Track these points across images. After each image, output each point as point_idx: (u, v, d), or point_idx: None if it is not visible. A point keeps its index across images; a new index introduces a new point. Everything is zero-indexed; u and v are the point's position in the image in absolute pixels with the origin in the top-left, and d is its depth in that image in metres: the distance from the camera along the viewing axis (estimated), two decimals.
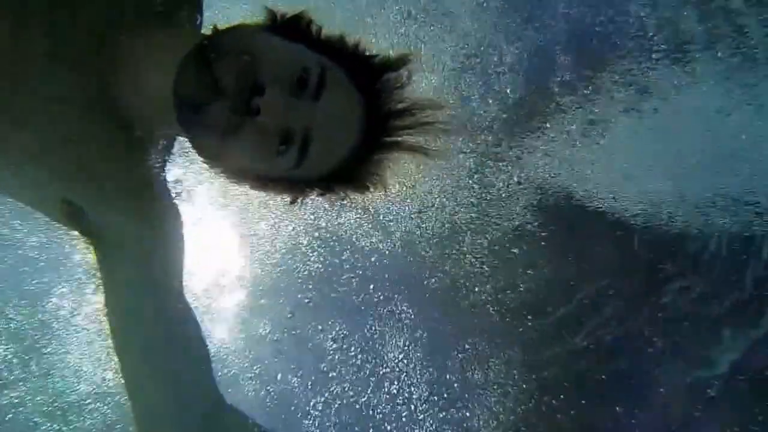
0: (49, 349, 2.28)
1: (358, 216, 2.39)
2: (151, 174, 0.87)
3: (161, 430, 0.84)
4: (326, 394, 2.46)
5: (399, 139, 0.83)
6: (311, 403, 2.46)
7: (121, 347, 0.84)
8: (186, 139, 0.84)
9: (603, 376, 2.50)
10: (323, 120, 0.79)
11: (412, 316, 2.42)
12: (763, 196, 2.33)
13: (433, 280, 2.44)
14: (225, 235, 2.24)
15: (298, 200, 0.89)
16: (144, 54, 0.82)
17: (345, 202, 0.90)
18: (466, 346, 2.47)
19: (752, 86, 2.24)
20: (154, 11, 0.84)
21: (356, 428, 2.47)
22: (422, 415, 2.47)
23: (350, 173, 0.86)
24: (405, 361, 2.45)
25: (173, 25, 0.85)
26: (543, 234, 2.46)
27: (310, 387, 2.47)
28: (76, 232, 0.89)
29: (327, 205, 2.31)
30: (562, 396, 2.45)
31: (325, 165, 0.84)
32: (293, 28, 0.84)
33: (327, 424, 2.46)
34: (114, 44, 0.81)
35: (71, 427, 2.32)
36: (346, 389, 2.45)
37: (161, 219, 0.87)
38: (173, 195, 0.91)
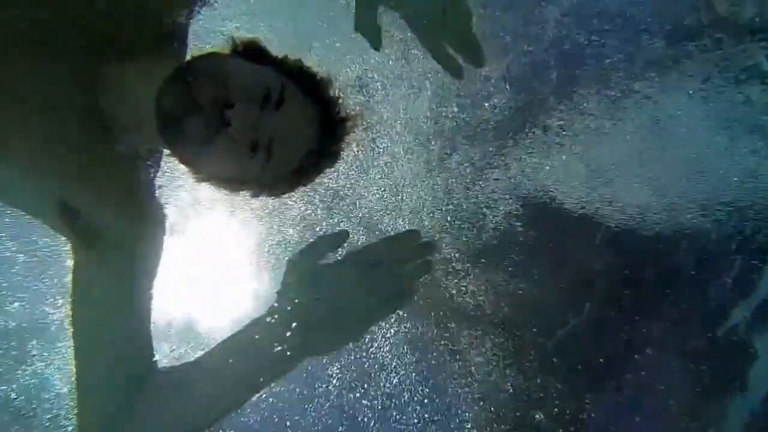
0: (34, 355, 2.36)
1: (348, 222, 2.48)
2: (140, 180, 1.01)
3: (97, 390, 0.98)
4: (317, 389, 2.56)
5: (342, 143, 0.98)
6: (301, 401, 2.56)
7: (84, 335, 0.98)
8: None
9: (586, 366, 2.60)
10: (284, 128, 0.93)
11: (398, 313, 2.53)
12: (733, 198, 2.41)
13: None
14: (214, 232, 2.35)
15: (260, 195, 1.03)
16: (132, 76, 0.95)
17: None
18: (448, 340, 2.57)
19: (718, 100, 2.34)
20: (145, 42, 0.97)
21: (344, 418, 2.57)
22: (408, 402, 2.58)
23: (308, 171, 1.02)
24: (392, 354, 2.55)
25: (160, 53, 0.98)
26: (525, 238, 2.55)
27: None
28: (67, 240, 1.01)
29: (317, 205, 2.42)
30: (544, 387, 2.55)
31: (287, 166, 0.98)
32: (258, 54, 0.98)
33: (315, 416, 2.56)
34: (107, 66, 0.94)
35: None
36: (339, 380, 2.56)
37: (149, 222, 1.01)
38: (161, 201, 1.04)
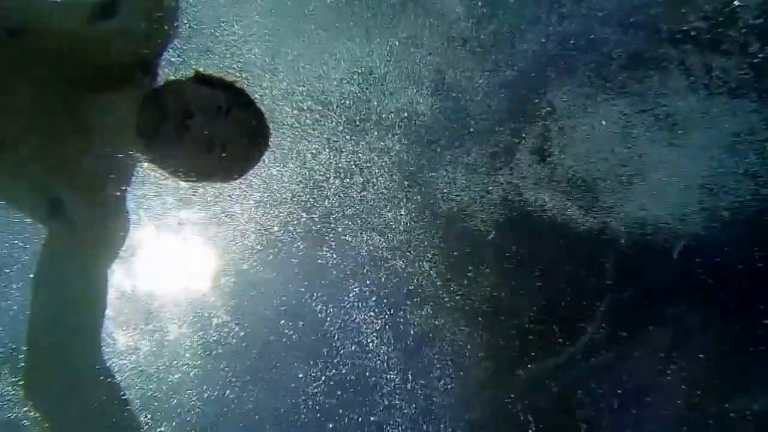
0: None
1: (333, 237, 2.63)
2: (115, 185, 1.27)
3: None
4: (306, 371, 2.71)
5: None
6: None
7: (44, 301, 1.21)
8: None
9: (554, 364, 2.64)
10: (231, 132, 1.25)
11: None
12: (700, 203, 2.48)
13: (396, 276, 2.66)
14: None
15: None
16: (115, 98, 1.23)
17: None
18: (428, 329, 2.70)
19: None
20: (125, 72, 1.25)
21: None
22: (391, 389, 2.70)
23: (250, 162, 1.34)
24: (378, 342, 2.69)
25: (137, 79, 1.27)
26: (507, 245, 2.63)
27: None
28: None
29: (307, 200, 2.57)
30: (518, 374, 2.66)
31: (237, 160, 1.30)
32: (209, 80, 1.29)
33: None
34: (95, 91, 1.22)
35: None
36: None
37: (118, 220, 1.27)
38: (129, 205, 1.30)
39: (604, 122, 2.53)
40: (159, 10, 1.25)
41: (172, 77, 1.29)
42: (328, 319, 2.68)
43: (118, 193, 1.25)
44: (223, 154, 1.23)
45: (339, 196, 2.59)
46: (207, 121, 1.20)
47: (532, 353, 2.66)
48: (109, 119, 1.22)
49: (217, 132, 1.22)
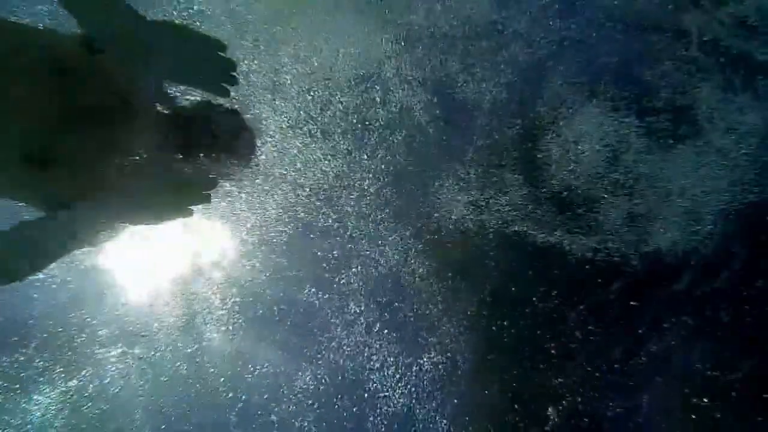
0: None
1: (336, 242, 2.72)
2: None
3: None
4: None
5: None
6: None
7: None
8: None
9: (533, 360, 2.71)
10: (231, 141, 1.57)
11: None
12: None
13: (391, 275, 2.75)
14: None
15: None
16: (128, 118, 1.48)
17: None
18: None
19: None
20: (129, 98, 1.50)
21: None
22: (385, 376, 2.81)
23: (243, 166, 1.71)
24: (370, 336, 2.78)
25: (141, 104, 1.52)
26: (503, 248, 2.70)
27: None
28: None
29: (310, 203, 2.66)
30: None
31: (239, 157, 1.67)
32: (214, 106, 1.61)
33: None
34: (108, 112, 1.46)
35: None
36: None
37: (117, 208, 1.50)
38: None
39: (605, 136, 2.58)
40: (144, 47, 1.50)
41: (196, 101, 1.65)
42: (323, 312, 2.76)
43: (120, 188, 1.47)
44: (221, 158, 1.62)
45: (335, 197, 2.66)
46: (218, 135, 1.59)
47: (527, 353, 2.73)
48: (125, 135, 1.47)
49: (224, 143, 1.60)
